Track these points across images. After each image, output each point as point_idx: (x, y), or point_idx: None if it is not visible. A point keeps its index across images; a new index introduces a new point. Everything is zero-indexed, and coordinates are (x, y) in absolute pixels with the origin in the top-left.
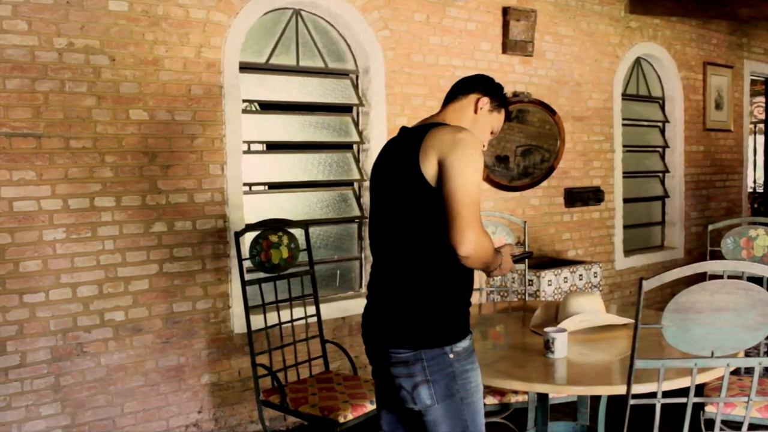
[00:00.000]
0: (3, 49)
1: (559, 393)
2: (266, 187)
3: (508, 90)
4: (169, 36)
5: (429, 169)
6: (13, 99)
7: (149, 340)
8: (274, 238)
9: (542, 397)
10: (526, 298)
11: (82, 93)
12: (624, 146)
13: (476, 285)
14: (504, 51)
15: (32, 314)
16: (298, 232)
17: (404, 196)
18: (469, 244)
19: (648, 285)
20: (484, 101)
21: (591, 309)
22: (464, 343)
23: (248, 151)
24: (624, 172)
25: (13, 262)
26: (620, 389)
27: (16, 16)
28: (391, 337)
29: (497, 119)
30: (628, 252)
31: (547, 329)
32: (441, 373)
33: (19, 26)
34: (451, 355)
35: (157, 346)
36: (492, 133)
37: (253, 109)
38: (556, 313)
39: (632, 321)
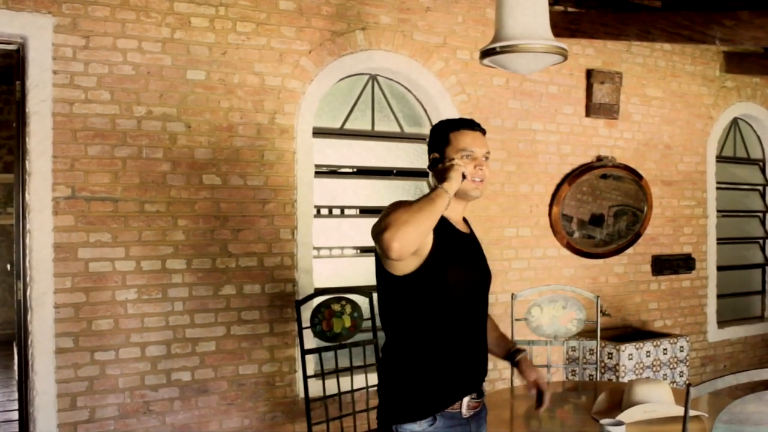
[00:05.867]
0: (87, 117)
1: None
2: (337, 250)
3: (592, 154)
4: (244, 103)
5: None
6: (93, 165)
7: (214, 401)
8: (336, 307)
9: None
10: (598, 376)
11: (158, 159)
12: (719, 211)
13: (543, 361)
14: (587, 114)
15: (102, 371)
16: (363, 300)
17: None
18: (386, 244)
19: (696, 392)
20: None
21: (657, 398)
22: (413, 426)
23: (318, 215)
24: (719, 239)
25: (86, 321)
26: None
27: (100, 86)
28: None
29: (453, 146)
30: (722, 323)
31: (603, 421)
32: None
33: (102, 96)
34: None
35: (222, 407)
36: (469, 158)
37: (326, 172)
38: (621, 399)
39: (703, 413)
